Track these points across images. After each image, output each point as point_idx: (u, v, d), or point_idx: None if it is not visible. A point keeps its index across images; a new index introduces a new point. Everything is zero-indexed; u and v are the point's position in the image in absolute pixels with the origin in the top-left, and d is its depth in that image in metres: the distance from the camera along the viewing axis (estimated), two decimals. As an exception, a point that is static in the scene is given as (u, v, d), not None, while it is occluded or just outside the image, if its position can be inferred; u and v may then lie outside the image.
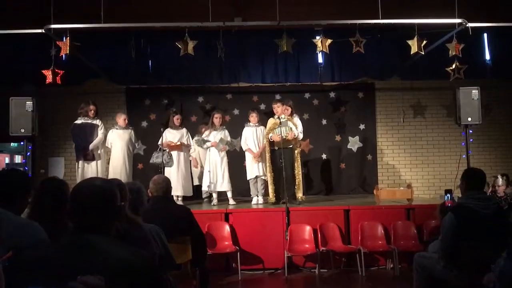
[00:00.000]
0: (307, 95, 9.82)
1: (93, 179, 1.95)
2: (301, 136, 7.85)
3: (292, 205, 7.08)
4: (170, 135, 8.03)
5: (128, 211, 2.31)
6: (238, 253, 6.48)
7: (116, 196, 1.87)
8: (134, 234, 2.71)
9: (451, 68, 7.55)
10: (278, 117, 7.60)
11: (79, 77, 8.92)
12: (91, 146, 7.66)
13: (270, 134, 7.63)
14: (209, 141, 7.82)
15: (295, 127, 7.63)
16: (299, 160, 7.71)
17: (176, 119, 8.16)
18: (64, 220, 3.01)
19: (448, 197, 4.18)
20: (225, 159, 7.88)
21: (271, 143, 7.65)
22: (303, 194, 7.75)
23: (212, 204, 7.76)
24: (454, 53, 7.19)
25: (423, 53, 7.03)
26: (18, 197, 2.66)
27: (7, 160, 11.26)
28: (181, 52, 7.05)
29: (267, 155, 7.71)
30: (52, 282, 1.07)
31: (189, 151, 8.34)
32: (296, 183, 7.61)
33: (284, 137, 7.44)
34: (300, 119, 8.07)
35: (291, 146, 7.59)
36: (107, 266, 1.45)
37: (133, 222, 2.75)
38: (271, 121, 7.79)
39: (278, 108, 7.71)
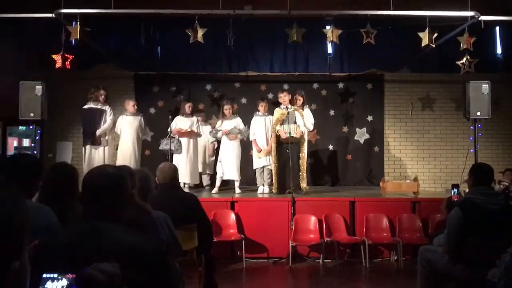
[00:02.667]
0: (315, 86, 9.79)
1: (105, 166, 1.97)
2: (311, 127, 7.86)
3: (297, 195, 7.10)
4: (181, 123, 8.05)
5: (137, 198, 2.33)
6: (243, 241, 6.53)
7: (128, 183, 1.89)
8: (143, 221, 2.74)
9: (461, 61, 7.49)
10: (286, 107, 7.58)
11: (88, 62, 8.95)
12: (98, 131, 7.70)
13: (278, 128, 7.61)
14: (220, 130, 7.87)
15: (302, 119, 7.60)
16: (305, 151, 7.71)
17: (188, 107, 8.18)
18: (73, 205, 3.05)
19: (455, 191, 4.17)
20: (238, 148, 7.91)
21: (278, 135, 7.64)
22: (307, 185, 7.77)
23: (212, 192, 7.78)
24: (465, 47, 7.13)
25: (434, 45, 6.98)
26: (29, 182, 2.69)
27: (15, 144, 11.35)
28: (191, 39, 7.04)
29: (273, 145, 7.72)
30: (66, 268, 1.09)
31: (198, 139, 8.38)
32: (301, 173, 7.63)
33: (292, 136, 7.42)
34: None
35: (297, 141, 7.59)
36: (119, 252, 1.48)
37: (143, 209, 2.78)
38: (278, 112, 7.77)
39: (285, 97, 7.68)
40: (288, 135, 7.41)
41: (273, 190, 7.69)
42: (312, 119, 7.93)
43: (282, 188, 7.61)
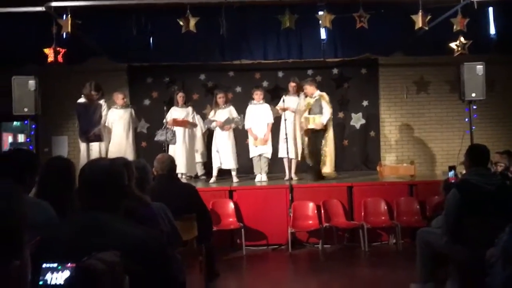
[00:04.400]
0: (310, 72, 9.74)
1: (100, 160, 1.97)
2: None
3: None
4: (176, 113, 8.04)
5: (136, 189, 2.33)
6: (243, 230, 6.56)
7: (123, 175, 1.88)
8: (142, 212, 2.74)
9: (455, 43, 7.46)
10: (311, 97, 7.58)
11: (80, 55, 8.84)
12: (95, 129, 7.64)
13: (302, 119, 7.63)
14: (214, 121, 7.85)
15: (328, 107, 7.57)
16: (328, 138, 7.67)
17: (180, 97, 8.16)
18: (70, 199, 3.05)
19: (452, 173, 4.20)
20: (232, 138, 7.92)
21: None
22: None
23: (210, 182, 7.80)
24: (458, 28, 7.11)
25: (427, 28, 6.95)
26: (26, 177, 2.69)
27: (10, 139, 11.30)
28: (183, 29, 6.99)
29: (306, 138, 7.74)
30: (67, 259, 1.09)
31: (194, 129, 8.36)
32: (325, 160, 7.63)
33: (312, 127, 7.49)
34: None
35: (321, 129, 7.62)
36: (119, 244, 1.48)
37: (142, 201, 2.78)
38: (303, 102, 7.75)
39: (309, 87, 7.66)
40: (309, 127, 7.48)
41: (309, 178, 7.68)
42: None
43: (317, 175, 7.62)
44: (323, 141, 7.61)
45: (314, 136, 7.58)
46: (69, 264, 1.08)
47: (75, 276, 1.04)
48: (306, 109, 7.64)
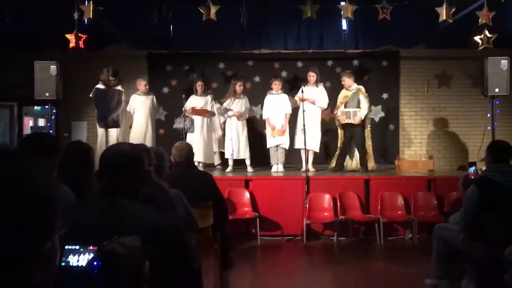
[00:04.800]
0: (329, 63, 9.65)
1: (121, 144, 1.99)
2: (325, 106, 7.89)
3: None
4: (195, 101, 8.07)
5: (154, 176, 2.35)
6: (258, 219, 6.57)
7: (144, 161, 1.90)
8: (160, 198, 2.76)
9: (480, 37, 7.32)
10: (347, 89, 7.62)
11: (101, 41, 8.91)
12: (113, 115, 7.71)
13: (338, 113, 7.66)
14: (231, 110, 7.85)
15: (366, 101, 7.61)
16: (366, 133, 7.76)
17: (199, 86, 8.18)
18: (89, 183, 3.08)
19: (473, 169, 4.13)
20: (246, 127, 7.93)
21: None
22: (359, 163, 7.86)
23: (226, 171, 7.82)
24: (484, 22, 6.96)
25: (451, 21, 6.82)
26: (47, 161, 2.72)
27: (31, 123, 11.47)
28: (204, 17, 6.98)
29: (341, 132, 7.81)
30: (87, 242, 1.11)
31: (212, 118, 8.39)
32: (367, 153, 7.72)
33: (349, 121, 7.53)
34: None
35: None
36: (138, 228, 1.49)
37: (160, 187, 2.80)
38: (342, 94, 7.78)
39: (348, 79, 7.70)
40: (346, 121, 7.52)
41: (331, 166, 7.78)
42: (326, 97, 7.89)
43: (340, 166, 7.71)
44: (365, 135, 7.72)
45: (353, 131, 7.62)
46: (91, 247, 1.09)
47: (98, 259, 1.06)
48: (343, 102, 7.64)
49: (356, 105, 7.55)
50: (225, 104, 8.04)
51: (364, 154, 7.67)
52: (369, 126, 7.81)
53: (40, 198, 0.75)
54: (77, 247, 1.08)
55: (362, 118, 7.53)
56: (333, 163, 7.85)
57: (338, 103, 7.79)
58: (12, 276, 0.73)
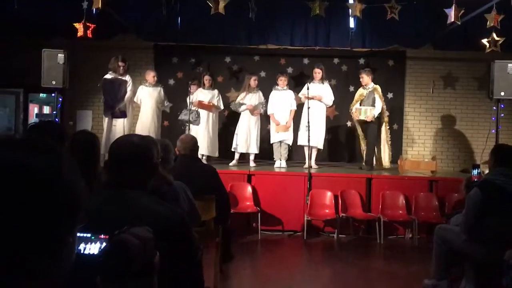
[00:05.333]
0: (336, 60, 9.64)
1: (131, 136, 2.00)
2: (330, 103, 7.95)
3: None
4: (202, 95, 8.08)
5: (161, 168, 2.37)
6: (259, 214, 6.61)
7: (153, 153, 1.91)
8: (165, 190, 2.79)
9: (487, 39, 7.30)
10: (364, 88, 7.71)
11: (108, 31, 8.91)
12: (120, 105, 7.74)
13: (353, 110, 7.77)
14: (244, 104, 7.86)
15: (381, 100, 7.69)
16: (383, 130, 7.91)
17: (206, 80, 8.19)
18: (95, 173, 3.11)
19: (476, 171, 4.14)
20: (258, 123, 7.98)
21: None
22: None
23: (230, 165, 7.85)
24: (492, 24, 6.94)
25: (459, 23, 6.81)
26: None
27: (36, 110, 11.51)
28: (212, 10, 6.98)
29: (359, 128, 7.96)
30: (95, 232, 1.13)
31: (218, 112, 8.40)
32: (383, 149, 7.88)
33: (363, 118, 7.62)
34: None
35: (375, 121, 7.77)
36: (145, 219, 1.51)
37: (165, 180, 2.83)
38: (359, 92, 7.89)
39: (366, 77, 7.78)
40: (360, 118, 7.63)
41: (362, 167, 7.86)
42: (332, 94, 7.91)
43: (370, 165, 7.79)
44: (381, 133, 7.85)
45: (367, 128, 7.74)
46: (102, 236, 1.12)
47: (111, 248, 1.08)
48: (358, 99, 7.69)
49: (371, 103, 7.63)
50: (238, 98, 8.07)
51: (372, 152, 7.74)
52: (387, 125, 7.92)
53: (70, 192, 0.76)
54: (89, 235, 1.10)
55: (375, 116, 7.56)
56: (364, 161, 7.98)
57: (354, 100, 7.92)
58: (41, 266, 0.74)
